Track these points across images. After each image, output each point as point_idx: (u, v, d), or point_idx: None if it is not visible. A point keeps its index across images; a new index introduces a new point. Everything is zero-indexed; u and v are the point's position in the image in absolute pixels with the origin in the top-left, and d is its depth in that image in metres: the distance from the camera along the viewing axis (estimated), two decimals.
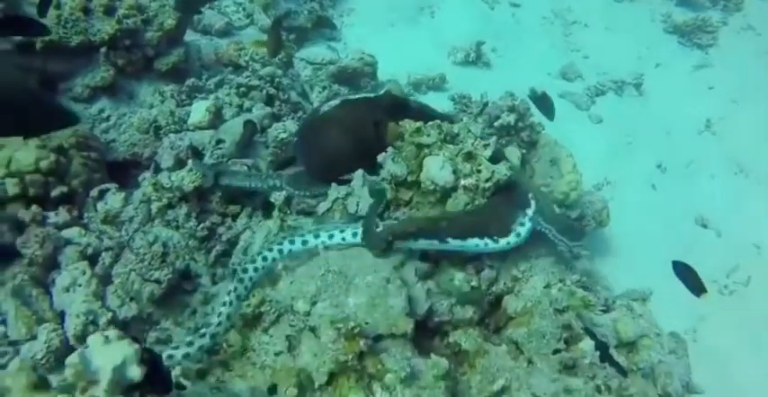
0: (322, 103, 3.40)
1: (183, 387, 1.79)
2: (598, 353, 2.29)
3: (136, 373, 1.34)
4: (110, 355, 1.31)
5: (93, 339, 1.36)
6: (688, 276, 2.88)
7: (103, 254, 3.22)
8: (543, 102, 3.66)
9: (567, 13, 8.03)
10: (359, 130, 2.61)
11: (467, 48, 6.51)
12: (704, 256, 5.26)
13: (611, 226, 5.16)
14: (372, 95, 3.00)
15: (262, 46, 4.58)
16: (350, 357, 1.98)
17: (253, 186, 3.06)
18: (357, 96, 3.10)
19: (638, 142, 6.29)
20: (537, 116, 4.54)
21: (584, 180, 5.00)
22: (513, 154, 3.86)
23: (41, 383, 1.33)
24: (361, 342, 2.00)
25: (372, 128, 2.54)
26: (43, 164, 3.38)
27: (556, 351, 2.26)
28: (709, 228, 5.51)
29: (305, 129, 3.22)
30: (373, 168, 2.57)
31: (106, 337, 1.36)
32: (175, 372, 1.96)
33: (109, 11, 4.16)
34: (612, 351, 2.48)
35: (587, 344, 2.32)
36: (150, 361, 1.42)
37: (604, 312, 2.69)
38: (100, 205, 3.53)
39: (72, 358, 1.29)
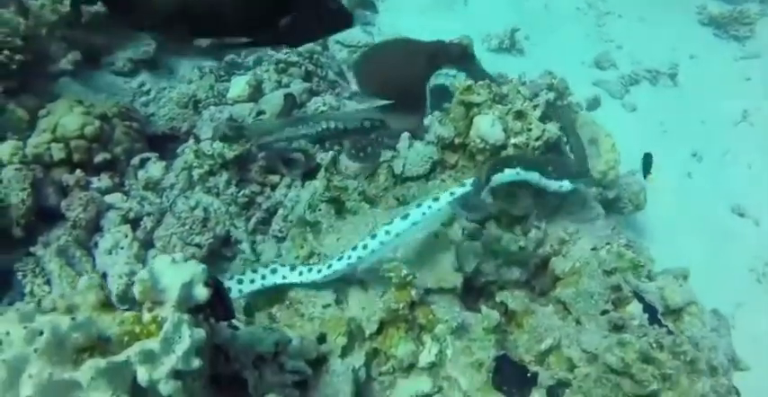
0: None
1: (236, 328, 1.81)
2: (647, 316, 2.26)
3: (202, 293, 1.34)
4: (178, 273, 1.32)
5: (161, 259, 1.38)
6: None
7: (145, 219, 3.25)
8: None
9: (600, 4, 7.97)
10: (417, 62, 2.63)
11: (501, 35, 6.49)
12: (742, 244, 5.20)
13: (647, 212, 5.10)
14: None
15: None
16: (401, 305, 1.98)
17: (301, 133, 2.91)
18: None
19: (673, 131, 6.21)
20: (577, 96, 4.53)
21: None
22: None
23: (108, 302, 1.35)
24: (413, 292, 2.00)
25: (428, 66, 2.56)
26: (88, 130, 3.42)
27: (604, 312, 2.23)
28: (747, 217, 5.42)
29: (371, 48, 3.30)
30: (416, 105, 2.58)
31: (173, 258, 1.38)
32: None
33: None
34: (661, 318, 2.45)
35: (636, 306, 2.28)
36: (214, 286, 1.43)
37: (649, 280, 2.65)
38: (140, 173, 3.57)
39: (142, 275, 1.30)
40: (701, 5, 8.12)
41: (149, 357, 1.21)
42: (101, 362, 1.15)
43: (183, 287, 1.30)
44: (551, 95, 4.02)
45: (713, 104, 6.60)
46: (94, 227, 3.27)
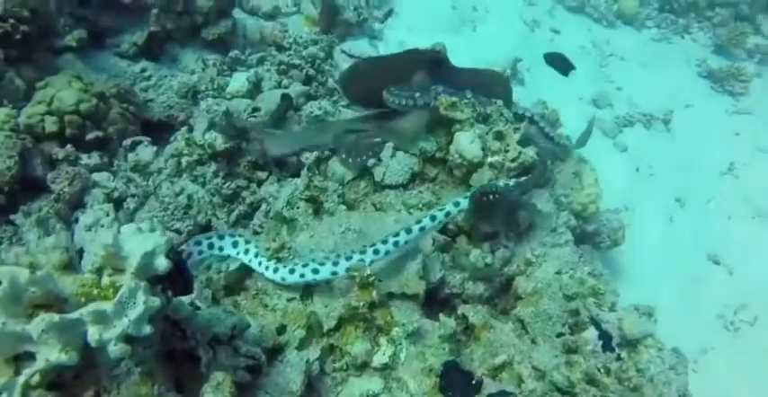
0: None
1: (197, 307, 1.84)
2: (601, 343, 2.31)
3: (163, 264, 1.38)
4: (142, 242, 1.36)
5: (127, 227, 1.42)
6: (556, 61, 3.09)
7: (129, 200, 3.30)
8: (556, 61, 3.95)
9: (604, 46, 8.14)
10: (396, 71, 2.75)
11: (503, 64, 6.60)
12: (714, 291, 5.27)
13: (625, 251, 5.18)
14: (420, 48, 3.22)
15: (313, 22, 4.71)
16: (361, 304, 2.02)
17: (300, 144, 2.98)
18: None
19: (660, 174, 6.31)
20: (568, 130, 4.63)
21: (603, 203, 5.06)
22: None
23: (71, 264, 1.39)
24: (374, 292, 2.04)
25: (408, 73, 2.67)
26: (83, 107, 3.47)
27: (560, 334, 2.27)
28: (722, 265, 5.50)
29: (353, 64, 3.44)
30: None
31: (139, 227, 1.42)
32: (192, 296, 2.00)
33: None
34: (615, 347, 2.50)
35: (592, 333, 2.33)
36: (176, 259, 1.47)
37: (610, 311, 2.70)
38: (131, 155, 3.61)
39: (105, 239, 1.34)
40: (702, 58, 8.32)
41: (101, 318, 1.24)
42: (53, 316, 1.19)
43: (144, 256, 1.34)
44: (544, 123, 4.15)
45: (702, 153, 6.73)
46: (78, 203, 3.31)
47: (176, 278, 1.49)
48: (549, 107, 4.38)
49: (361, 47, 5.77)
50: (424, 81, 2.67)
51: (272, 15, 5.74)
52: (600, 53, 7.99)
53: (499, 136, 2.45)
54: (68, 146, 3.39)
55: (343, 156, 2.90)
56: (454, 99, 2.50)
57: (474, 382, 1.98)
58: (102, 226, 3.16)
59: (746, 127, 7.34)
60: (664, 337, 4.65)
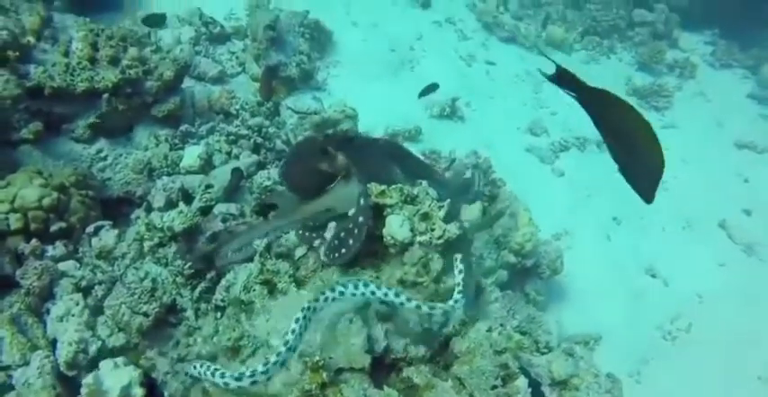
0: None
1: None
2: (530, 389, 2.65)
3: (139, 392, 1.66)
4: (118, 377, 1.64)
5: (105, 364, 1.69)
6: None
7: (96, 287, 3.51)
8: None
9: (537, 73, 8.66)
10: (313, 158, 3.11)
11: (442, 103, 7.02)
12: (651, 304, 5.73)
13: (568, 274, 5.61)
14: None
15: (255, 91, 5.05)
16: (313, 386, 2.32)
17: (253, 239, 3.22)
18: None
19: (597, 195, 6.79)
20: (496, 167, 5.05)
21: (544, 230, 5.47)
22: (476, 206, 4.29)
23: None
24: (324, 374, 2.34)
25: (323, 157, 3.03)
26: (45, 201, 3.68)
27: (494, 387, 2.61)
28: (657, 278, 5.98)
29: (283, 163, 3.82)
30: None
31: (116, 362, 1.69)
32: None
33: (114, 61, 4.57)
34: (546, 388, 2.85)
35: (522, 381, 2.68)
36: (149, 384, 1.74)
37: (543, 353, 3.07)
38: (95, 240, 3.83)
39: (88, 379, 1.61)
40: (628, 76, 8.96)
41: None
42: None
43: (122, 389, 1.61)
44: (476, 174, 4.54)
45: None
46: (47, 294, 3.51)
47: None
48: (482, 155, 4.75)
49: (305, 102, 6.11)
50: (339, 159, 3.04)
51: (218, 79, 6.05)
52: (534, 80, 8.52)
53: (425, 217, 2.79)
54: (33, 241, 3.59)
55: (299, 231, 3.22)
56: (382, 187, 2.84)
57: None
58: (74, 316, 3.39)
59: (673, 140, 7.93)
60: (608, 353, 5.10)
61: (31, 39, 4.54)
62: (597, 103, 2.40)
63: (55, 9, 5.29)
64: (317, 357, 2.32)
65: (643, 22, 9.64)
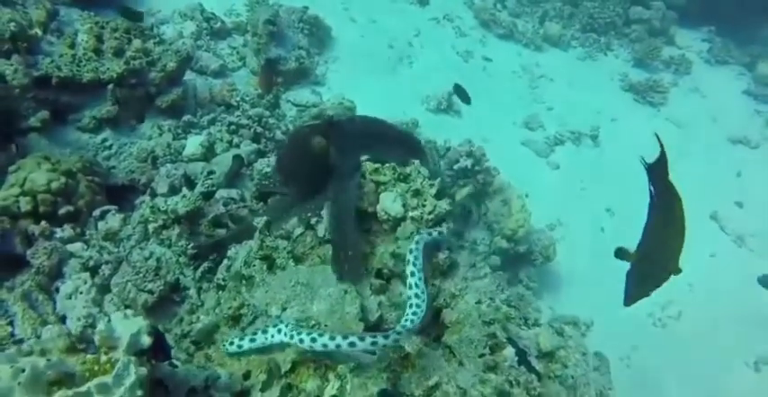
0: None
1: (175, 366, 2.24)
2: (517, 358, 2.78)
3: (146, 340, 1.79)
4: (128, 326, 1.77)
5: (116, 315, 1.83)
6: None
7: (103, 267, 3.65)
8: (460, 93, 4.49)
9: (534, 69, 8.79)
10: (304, 146, 3.15)
11: (439, 97, 7.15)
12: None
13: (562, 263, 5.74)
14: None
15: (255, 85, 5.17)
16: None
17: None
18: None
19: (591, 188, 6.92)
20: (492, 161, 5.16)
21: (539, 220, 5.61)
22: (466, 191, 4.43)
23: (74, 347, 1.79)
24: None
25: (314, 145, 3.09)
26: (54, 185, 3.83)
27: (482, 355, 2.73)
28: None
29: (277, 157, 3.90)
30: (324, 177, 3.11)
31: (125, 313, 1.83)
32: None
33: (118, 52, 4.72)
34: (533, 360, 2.98)
35: (510, 351, 2.80)
36: (156, 334, 1.88)
37: (529, 328, 3.20)
38: (101, 224, 3.97)
39: (100, 326, 1.75)
40: (624, 73, 9.09)
41: (105, 388, 1.64)
42: (68, 392, 1.58)
43: (131, 336, 1.75)
44: (469, 161, 4.67)
45: (628, 164, 7.35)
46: (56, 274, 3.65)
47: (157, 349, 1.90)
48: (476, 144, 4.88)
49: (304, 95, 6.25)
50: (322, 143, 3.10)
51: (219, 72, 6.19)
52: (530, 76, 8.65)
53: (417, 193, 2.93)
54: (43, 223, 3.74)
55: (302, 215, 3.37)
56: (377, 165, 2.98)
57: None
58: (81, 294, 3.53)
59: (666, 134, 8.06)
60: (599, 338, 5.22)
61: (39, 31, 4.68)
62: (663, 197, 2.53)
63: (61, 3, 5.43)
64: (313, 322, 2.46)
65: (640, 19, 9.76)
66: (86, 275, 3.56)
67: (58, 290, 3.56)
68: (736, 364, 5.36)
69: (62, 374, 1.65)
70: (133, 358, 1.72)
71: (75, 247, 3.77)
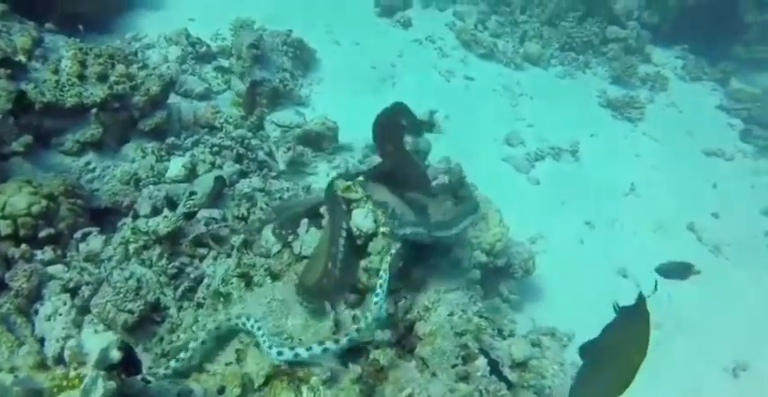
0: None
1: (148, 382, 2.28)
2: (489, 368, 2.84)
3: (116, 355, 1.85)
4: (98, 341, 1.83)
5: (86, 331, 1.88)
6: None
7: (83, 288, 3.68)
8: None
9: (515, 87, 8.97)
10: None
11: (420, 116, 7.27)
12: (623, 303, 5.91)
13: (543, 275, 5.82)
14: None
15: (239, 106, 5.28)
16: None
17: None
18: None
19: (571, 202, 7.03)
20: (473, 176, 5.27)
21: (519, 234, 5.70)
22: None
23: (43, 364, 1.84)
24: None
25: None
26: (34, 209, 3.87)
27: (454, 366, 2.79)
28: (629, 278, 6.19)
29: None
30: None
31: (96, 329, 1.88)
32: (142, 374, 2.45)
33: (102, 78, 4.82)
34: (506, 369, 3.04)
35: (482, 361, 2.86)
36: (126, 349, 1.93)
37: (504, 339, 3.26)
38: (82, 245, 4.02)
39: (71, 343, 1.80)
40: (602, 90, 9.29)
41: None
42: None
43: (101, 351, 1.80)
44: (447, 178, 4.77)
45: (607, 177, 7.54)
46: (36, 296, 3.68)
47: (128, 364, 1.95)
48: (453, 160, 4.99)
49: (288, 116, 6.35)
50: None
51: (204, 96, 6.29)
52: (511, 94, 8.82)
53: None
54: (23, 246, 3.78)
55: (275, 230, 3.43)
56: (348, 183, 3.07)
57: None
58: (61, 315, 3.56)
59: (644, 148, 8.25)
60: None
61: (23, 58, 4.78)
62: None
63: (46, 31, 5.54)
64: (286, 335, 2.52)
65: (616, 38, 10.01)
66: (66, 296, 3.60)
67: (37, 312, 3.58)
68: (717, 371, 5.44)
69: (30, 390, 1.70)
70: (102, 372, 1.78)
71: (56, 269, 3.81)
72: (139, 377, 2.19)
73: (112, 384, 1.79)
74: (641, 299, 2.63)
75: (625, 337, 2.48)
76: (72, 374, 1.77)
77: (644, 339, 2.51)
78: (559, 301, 5.67)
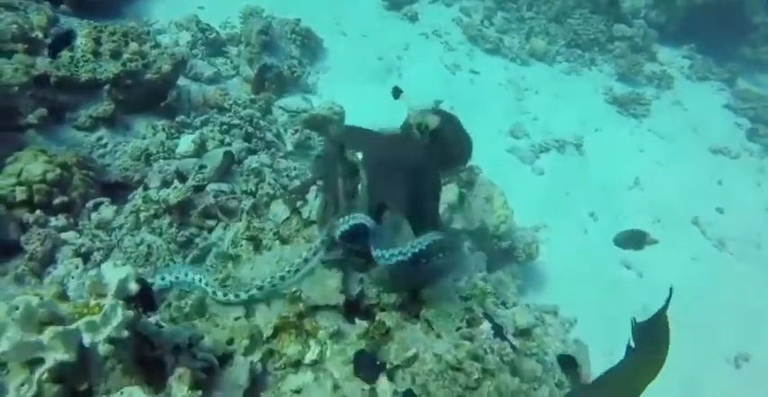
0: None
1: (161, 326, 2.34)
2: (493, 332, 2.89)
3: (134, 287, 1.91)
4: (117, 273, 1.89)
5: (106, 264, 1.94)
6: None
7: (95, 253, 3.76)
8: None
9: (520, 81, 9.05)
10: None
11: (425, 106, 7.34)
12: (625, 293, 5.97)
13: (546, 263, 5.86)
14: None
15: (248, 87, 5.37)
16: (291, 314, 2.56)
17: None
18: None
19: (575, 193, 7.10)
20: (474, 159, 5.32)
21: (523, 223, 5.75)
22: (453, 190, 4.58)
23: (65, 295, 1.90)
24: (300, 305, 2.59)
25: None
26: (49, 176, 3.95)
27: (458, 328, 2.84)
28: (632, 269, 6.24)
29: None
30: None
31: (115, 263, 1.94)
32: (156, 317, 2.51)
33: (115, 55, 4.90)
34: (510, 336, 3.09)
35: (486, 325, 2.91)
36: (144, 283, 1.99)
37: (507, 308, 3.31)
38: (94, 215, 4.09)
39: (92, 273, 1.86)
40: (608, 87, 9.36)
41: (92, 327, 1.75)
42: (58, 328, 1.69)
43: (120, 281, 1.86)
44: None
45: (611, 171, 7.59)
46: (49, 260, 3.75)
47: (144, 299, 2.01)
48: None
49: (295, 102, 6.43)
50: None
51: (213, 79, 6.38)
52: (516, 88, 8.90)
53: None
54: (38, 211, 3.85)
55: (287, 196, 3.51)
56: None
57: (378, 363, 2.53)
58: (73, 278, 3.63)
59: (648, 144, 8.30)
60: (583, 335, 5.30)
61: (39, 34, 4.87)
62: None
63: (61, 12, 5.64)
64: (294, 288, 2.58)
65: (623, 36, 10.08)
66: (78, 260, 3.66)
67: (50, 275, 3.65)
68: (718, 361, 5.47)
69: (53, 314, 1.76)
70: (121, 302, 1.84)
71: (69, 235, 3.88)
72: (153, 320, 2.25)
73: (131, 314, 1.85)
74: (660, 316, 2.54)
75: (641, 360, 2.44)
76: (92, 303, 1.83)
77: (659, 361, 2.44)
78: (562, 288, 5.73)
